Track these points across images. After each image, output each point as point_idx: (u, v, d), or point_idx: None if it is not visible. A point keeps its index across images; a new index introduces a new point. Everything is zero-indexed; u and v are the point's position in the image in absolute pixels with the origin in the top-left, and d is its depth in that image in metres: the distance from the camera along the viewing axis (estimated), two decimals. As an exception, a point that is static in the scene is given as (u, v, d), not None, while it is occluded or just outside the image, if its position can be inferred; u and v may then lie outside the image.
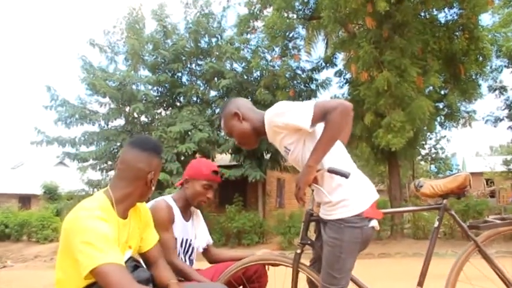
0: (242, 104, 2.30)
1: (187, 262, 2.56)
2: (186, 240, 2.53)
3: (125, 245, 1.90)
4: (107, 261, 1.59)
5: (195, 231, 2.62)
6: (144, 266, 2.05)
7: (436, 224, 2.42)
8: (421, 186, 2.43)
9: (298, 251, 2.30)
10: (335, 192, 2.04)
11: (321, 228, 2.22)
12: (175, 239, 2.45)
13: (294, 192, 2.11)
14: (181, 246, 2.51)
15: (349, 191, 2.04)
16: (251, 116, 2.25)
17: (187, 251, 2.56)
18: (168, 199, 2.50)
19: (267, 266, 2.55)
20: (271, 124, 2.10)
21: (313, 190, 2.19)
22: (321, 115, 1.96)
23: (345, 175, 1.97)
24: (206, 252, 2.76)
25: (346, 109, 1.94)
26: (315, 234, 2.42)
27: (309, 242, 2.31)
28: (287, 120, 2.03)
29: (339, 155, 2.13)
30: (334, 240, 2.03)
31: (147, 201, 2.19)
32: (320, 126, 2.01)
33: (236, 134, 2.28)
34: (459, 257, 2.43)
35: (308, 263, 2.37)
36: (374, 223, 2.07)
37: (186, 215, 2.58)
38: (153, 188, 1.91)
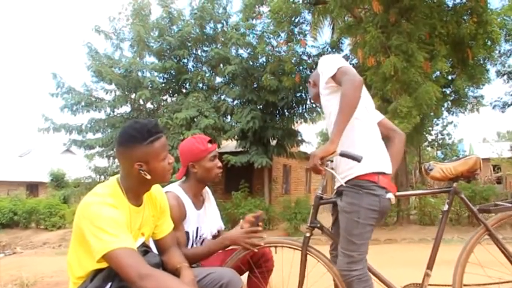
0: (316, 73, 2.48)
1: None
2: (197, 229, 2.50)
3: (137, 231, 1.91)
4: (119, 246, 1.60)
5: (206, 219, 2.58)
6: (156, 252, 2.06)
7: (446, 207, 2.40)
8: (431, 169, 2.40)
9: (307, 235, 2.32)
10: (355, 149, 2.10)
11: (338, 207, 2.24)
12: (188, 232, 2.43)
13: (309, 165, 2.08)
14: (194, 236, 2.48)
15: (369, 150, 2.14)
16: (319, 80, 2.38)
17: (200, 241, 2.54)
18: (178, 191, 2.45)
19: (274, 249, 2.55)
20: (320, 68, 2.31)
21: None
22: (337, 81, 2.15)
23: (357, 159, 2.01)
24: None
25: (355, 83, 2.05)
26: (333, 219, 2.43)
27: (318, 225, 2.33)
28: (321, 69, 2.27)
29: (369, 123, 2.26)
30: (351, 205, 2.10)
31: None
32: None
33: (312, 98, 2.61)
34: (469, 240, 2.41)
35: (316, 246, 2.37)
36: (390, 195, 2.12)
37: (198, 203, 2.54)
38: (153, 175, 1.82)
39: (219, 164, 2.53)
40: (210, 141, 2.52)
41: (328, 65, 2.19)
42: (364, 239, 2.10)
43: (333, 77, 2.14)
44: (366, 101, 2.28)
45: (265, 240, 2.45)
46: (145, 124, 1.82)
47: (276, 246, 2.51)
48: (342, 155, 2.07)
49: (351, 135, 2.13)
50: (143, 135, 1.78)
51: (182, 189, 2.48)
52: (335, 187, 2.32)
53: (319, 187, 2.31)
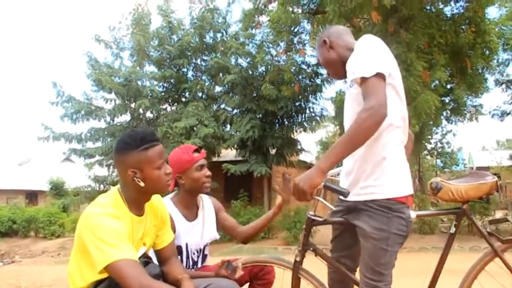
0: (332, 32, 2.17)
1: (200, 260, 2.54)
2: (193, 242, 2.48)
3: (139, 241, 1.92)
4: (121, 257, 1.61)
5: (199, 230, 2.52)
6: (156, 263, 2.07)
7: (453, 230, 2.21)
8: (439, 189, 2.15)
9: (298, 259, 2.17)
10: (379, 168, 1.88)
11: (342, 225, 2.11)
12: (180, 246, 2.41)
13: (293, 193, 1.80)
14: (187, 249, 2.46)
15: (402, 169, 1.92)
16: (339, 44, 2.12)
17: (197, 252, 2.52)
18: (168, 204, 2.39)
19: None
20: (356, 51, 1.94)
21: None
22: (363, 92, 1.80)
23: (343, 194, 1.82)
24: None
25: (376, 116, 1.72)
26: (337, 233, 2.22)
27: (311, 248, 2.16)
28: (355, 59, 1.90)
29: (403, 134, 1.98)
30: (380, 231, 1.84)
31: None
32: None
33: (322, 62, 2.21)
34: (475, 265, 2.27)
35: (309, 268, 2.24)
36: (413, 215, 1.93)
37: (191, 214, 2.50)
38: (148, 183, 1.82)
39: (208, 173, 2.45)
40: (197, 150, 2.46)
41: (367, 59, 1.84)
42: (390, 267, 1.90)
43: (363, 80, 1.80)
44: (402, 103, 1.97)
45: (257, 259, 2.43)
46: (140, 132, 1.86)
47: (266, 265, 2.48)
48: (326, 187, 1.89)
49: (382, 147, 1.88)
50: (137, 142, 1.81)
51: (173, 202, 2.46)
52: (341, 199, 2.08)
53: (311, 208, 2.17)
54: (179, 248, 2.41)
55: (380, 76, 1.79)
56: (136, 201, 1.89)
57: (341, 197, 2.06)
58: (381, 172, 1.87)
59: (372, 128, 1.73)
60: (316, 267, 2.28)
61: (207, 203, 2.64)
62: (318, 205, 2.17)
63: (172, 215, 2.37)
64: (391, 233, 1.84)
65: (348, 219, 2.02)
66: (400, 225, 1.85)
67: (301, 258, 2.17)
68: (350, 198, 1.93)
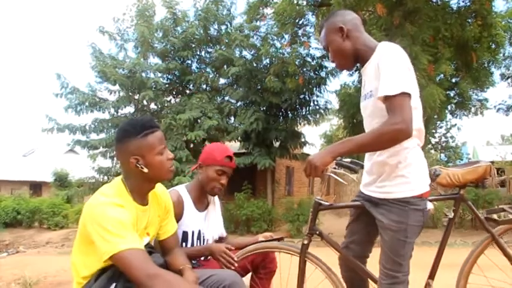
0: (350, 20, 2.05)
1: None
2: (199, 231, 2.51)
3: (143, 231, 1.92)
4: (127, 247, 1.62)
5: (208, 223, 2.58)
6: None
7: (451, 214, 2.27)
8: (438, 175, 2.26)
9: (306, 242, 2.22)
10: (397, 170, 1.92)
11: (359, 212, 2.15)
12: (186, 232, 2.45)
13: (304, 168, 1.88)
14: (193, 237, 2.48)
15: (423, 168, 1.97)
16: (357, 36, 2.04)
17: (200, 243, 2.53)
18: (181, 190, 2.48)
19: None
20: (379, 61, 1.90)
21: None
22: (387, 108, 1.80)
23: (355, 170, 1.95)
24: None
25: (400, 134, 1.76)
26: (350, 220, 2.28)
27: (317, 232, 2.22)
28: (381, 72, 1.86)
29: (422, 135, 2.02)
30: (398, 224, 1.89)
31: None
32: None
33: (333, 50, 2.06)
34: (474, 249, 2.34)
35: (316, 253, 2.28)
36: (430, 206, 2.00)
37: (201, 205, 2.55)
38: (151, 169, 1.82)
39: (223, 181, 2.50)
40: (229, 157, 2.49)
41: (393, 76, 1.81)
42: (408, 257, 1.95)
43: (387, 97, 1.79)
44: (419, 116, 1.99)
45: (264, 245, 2.44)
46: (139, 119, 1.87)
47: (273, 251, 2.50)
48: (339, 164, 1.99)
49: (399, 152, 1.91)
50: (137, 129, 1.81)
51: (186, 189, 2.51)
52: (362, 190, 2.13)
53: (318, 192, 2.25)
54: (185, 234, 2.45)
55: (406, 95, 1.78)
56: (140, 190, 1.89)
57: (361, 190, 2.15)
58: (398, 173, 1.92)
59: (391, 143, 1.82)
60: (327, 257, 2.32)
61: (218, 203, 2.72)
62: (324, 190, 2.23)
63: (184, 200, 2.44)
64: (409, 225, 1.89)
65: (364, 205, 2.08)
66: (417, 217, 1.91)
67: (308, 242, 2.23)
68: (369, 192, 2.06)
